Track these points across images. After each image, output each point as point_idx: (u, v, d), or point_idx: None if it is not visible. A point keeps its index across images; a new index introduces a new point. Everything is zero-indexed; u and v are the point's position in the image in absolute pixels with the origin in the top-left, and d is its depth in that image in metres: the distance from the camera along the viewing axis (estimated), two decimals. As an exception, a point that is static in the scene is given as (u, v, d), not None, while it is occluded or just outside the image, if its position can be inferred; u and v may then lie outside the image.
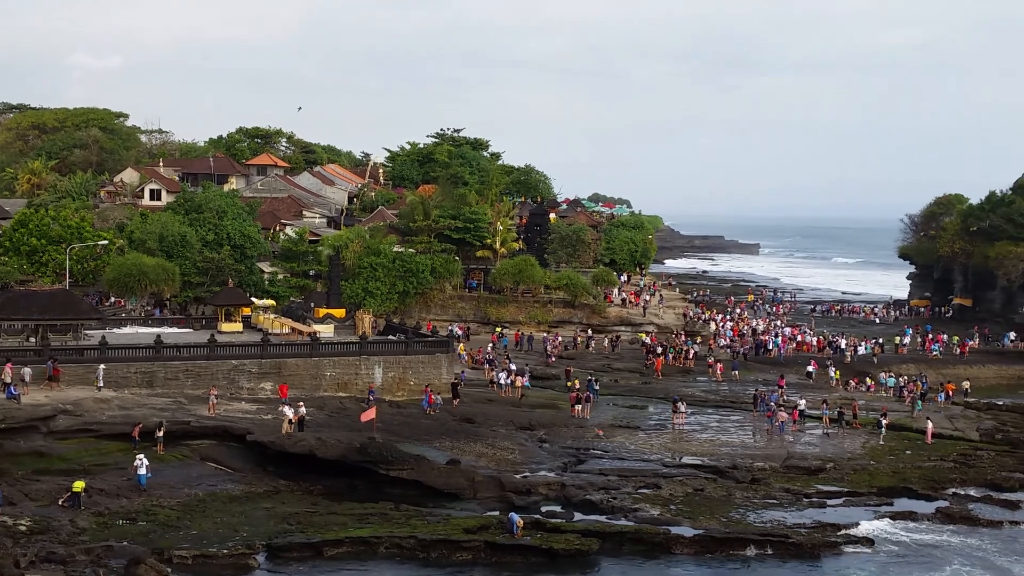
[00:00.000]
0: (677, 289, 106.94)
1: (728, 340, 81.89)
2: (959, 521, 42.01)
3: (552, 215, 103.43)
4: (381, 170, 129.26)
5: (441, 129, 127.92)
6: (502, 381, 60.98)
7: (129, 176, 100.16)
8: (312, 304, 68.78)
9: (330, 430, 47.63)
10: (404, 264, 78.23)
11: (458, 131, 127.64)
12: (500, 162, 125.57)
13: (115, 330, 59.91)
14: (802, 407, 57.56)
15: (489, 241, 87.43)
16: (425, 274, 78.81)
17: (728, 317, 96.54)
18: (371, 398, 52.65)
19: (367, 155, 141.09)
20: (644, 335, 79.79)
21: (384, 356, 57.62)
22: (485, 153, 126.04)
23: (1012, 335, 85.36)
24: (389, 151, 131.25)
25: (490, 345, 73.15)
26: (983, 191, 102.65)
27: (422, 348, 59.15)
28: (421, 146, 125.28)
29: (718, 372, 70.63)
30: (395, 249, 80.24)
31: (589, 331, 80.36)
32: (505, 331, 78.33)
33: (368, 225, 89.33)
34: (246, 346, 55.84)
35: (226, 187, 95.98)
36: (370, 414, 47.58)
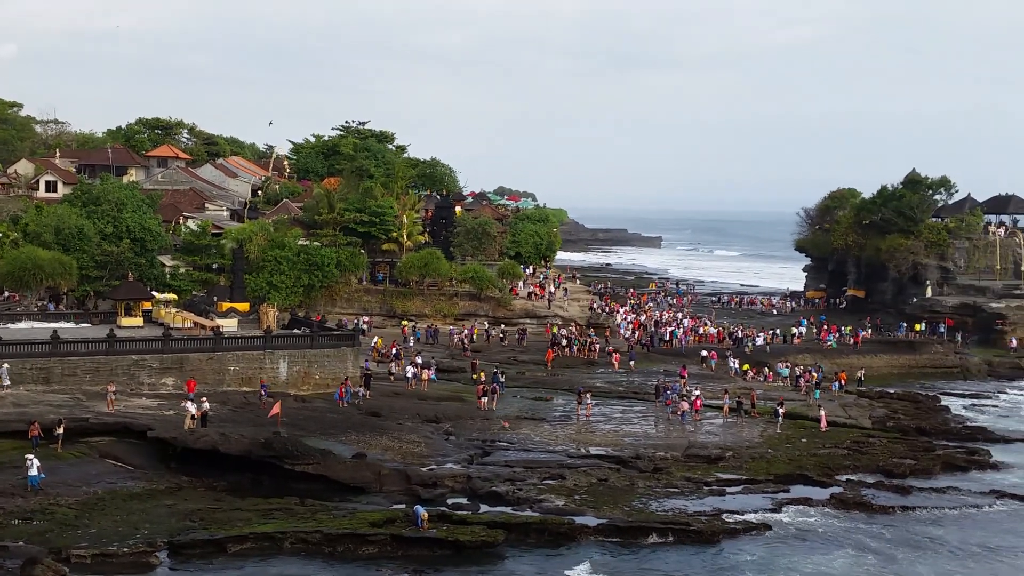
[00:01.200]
0: (578, 281, 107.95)
1: (627, 331, 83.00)
2: (852, 507, 43.40)
3: (458, 208, 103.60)
4: (285, 162, 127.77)
5: (346, 122, 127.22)
6: (409, 374, 61.03)
7: (24, 167, 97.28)
8: (215, 298, 67.80)
9: (234, 425, 47.18)
10: (309, 257, 77.62)
11: (363, 124, 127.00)
12: (406, 155, 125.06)
13: (9, 325, 58.32)
14: (697, 395, 58.66)
15: (395, 234, 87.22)
16: (330, 267, 78.29)
17: (631, 309, 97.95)
18: (263, 393, 52.32)
19: (271, 147, 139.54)
20: (556, 327, 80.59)
21: (289, 350, 57.15)
22: (391, 146, 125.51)
23: (903, 325, 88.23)
24: (293, 143, 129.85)
25: (402, 338, 73.34)
26: (875, 186, 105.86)
27: (328, 342, 58.83)
28: (326, 139, 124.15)
29: (615, 363, 71.72)
30: (300, 242, 79.54)
31: (503, 325, 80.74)
32: (416, 324, 78.43)
33: (272, 218, 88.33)
34: (147, 341, 54.85)
35: (125, 179, 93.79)
36: (275, 409, 47.22)
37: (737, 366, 71.91)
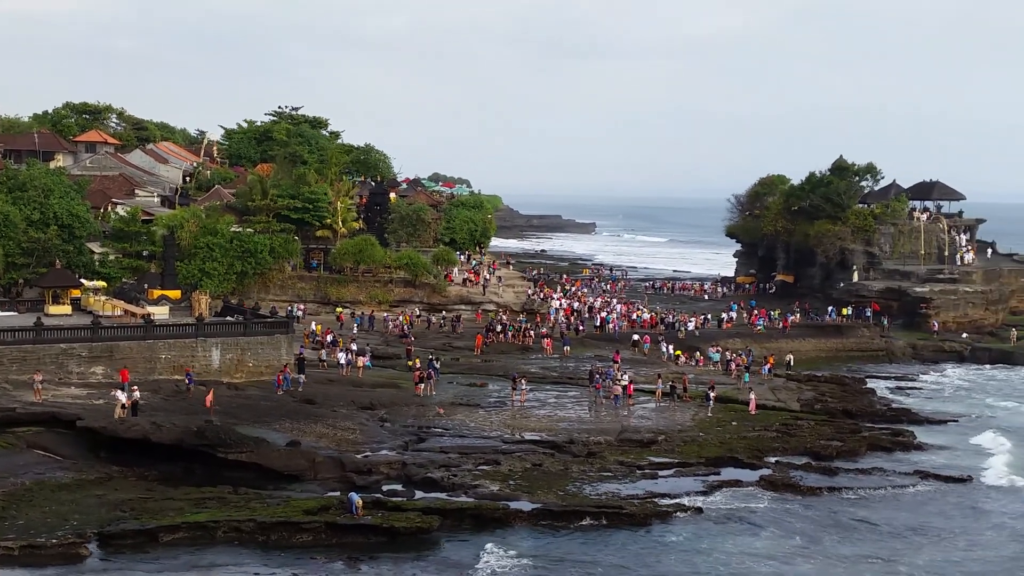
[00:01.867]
0: (511, 267, 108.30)
1: (560, 317, 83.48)
2: (781, 488, 44.27)
3: (392, 195, 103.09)
4: (216, 148, 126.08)
5: (279, 107, 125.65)
6: (342, 361, 60.94)
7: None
8: (145, 285, 66.82)
9: (166, 414, 46.73)
10: (242, 244, 76.83)
11: (296, 109, 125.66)
12: (339, 141, 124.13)
13: (-69, 314, 57.04)
14: (626, 380, 59.27)
15: (329, 221, 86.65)
16: (264, 254, 77.61)
17: (565, 295, 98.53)
18: (188, 381, 51.87)
19: (202, 133, 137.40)
20: (493, 314, 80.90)
21: (222, 338, 56.64)
22: (324, 132, 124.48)
23: (831, 310, 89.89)
24: (225, 129, 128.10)
25: (339, 325, 73.14)
26: (804, 172, 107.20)
27: (261, 329, 58.42)
28: (258, 124, 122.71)
29: (548, 348, 72.24)
30: (233, 229, 78.62)
31: (445, 313, 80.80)
32: (354, 311, 78.25)
33: (204, 204, 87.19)
34: (75, 329, 54.00)
35: (52, 164, 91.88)
36: (208, 397, 46.84)
37: (670, 351, 72.80)
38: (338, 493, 40.27)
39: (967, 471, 48.09)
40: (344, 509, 37.95)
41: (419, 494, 41.37)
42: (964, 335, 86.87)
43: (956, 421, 58.93)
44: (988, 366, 79.30)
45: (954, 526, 40.81)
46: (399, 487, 42.28)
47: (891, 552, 37.77)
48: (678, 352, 72.51)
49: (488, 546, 36.39)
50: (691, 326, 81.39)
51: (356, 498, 37.97)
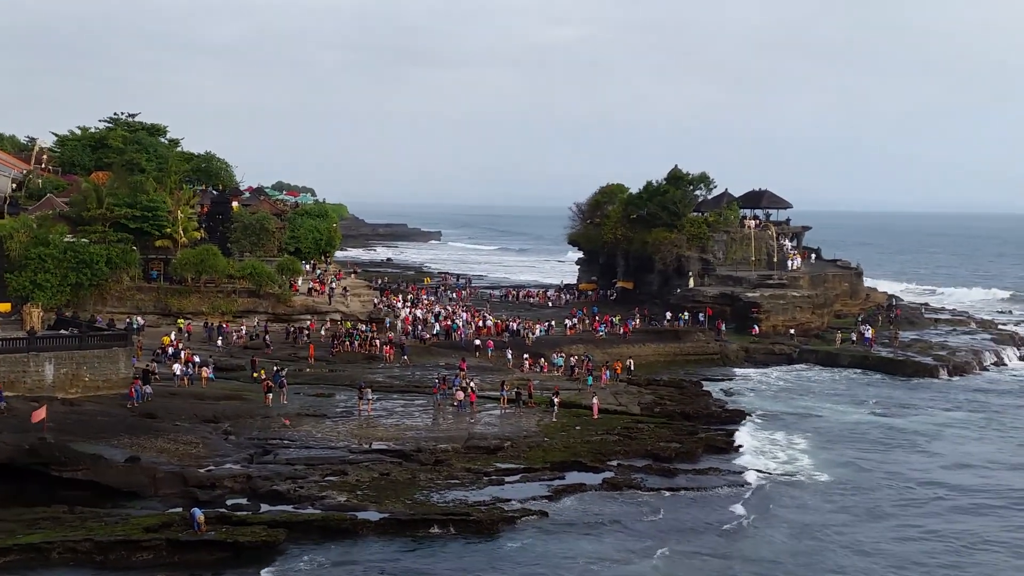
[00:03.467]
0: (354, 276, 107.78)
1: (403, 326, 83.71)
2: (624, 489, 45.62)
3: (235, 203, 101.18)
4: (47, 155, 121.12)
5: (115, 113, 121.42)
6: (177, 372, 59.81)
7: None
8: (-29, 299, 64.04)
9: (-5, 433, 44.85)
10: (77, 255, 74.34)
11: (133, 116, 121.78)
12: (179, 149, 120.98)
13: None
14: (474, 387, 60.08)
15: (169, 230, 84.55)
16: (100, 265, 75.27)
17: (412, 303, 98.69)
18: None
19: (32, 139, 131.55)
20: (350, 323, 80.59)
21: (55, 352, 54.64)
22: (163, 139, 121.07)
23: (669, 315, 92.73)
24: (57, 135, 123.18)
25: (186, 336, 71.67)
26: (642, 181, 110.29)
27: (98, 342, 56.61)
28: (93, 131, 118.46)
29: (389, 356, 72.43)
30: (66, 239, 75.98)
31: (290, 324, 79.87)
32: (208, 322, 76.84)
33: (35, 214, 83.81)
34: None
35: None
36: (40, 413, 45.23)
37: (513, 357, 73.91)
38: (180, 509, 39.53)
39: (786, 468, 50.54)
40: (186, 525, 37.30)
41: (265, 507, 40.95)
42: (791, 332, 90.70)
43: (784, 421, 61.68)
44: (816, 367, 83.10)
45: (778, 521, 42.75)
46: (244, 501, 41.76)
47: (729, 549, 39.24)
48: (523, 358, 73.67)
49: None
50: (536, 333, 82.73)
51: (199, 513, 37.38)
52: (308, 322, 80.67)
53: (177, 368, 60.12)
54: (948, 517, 44.06)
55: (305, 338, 75.60)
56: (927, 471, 51.31)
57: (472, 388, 59.81)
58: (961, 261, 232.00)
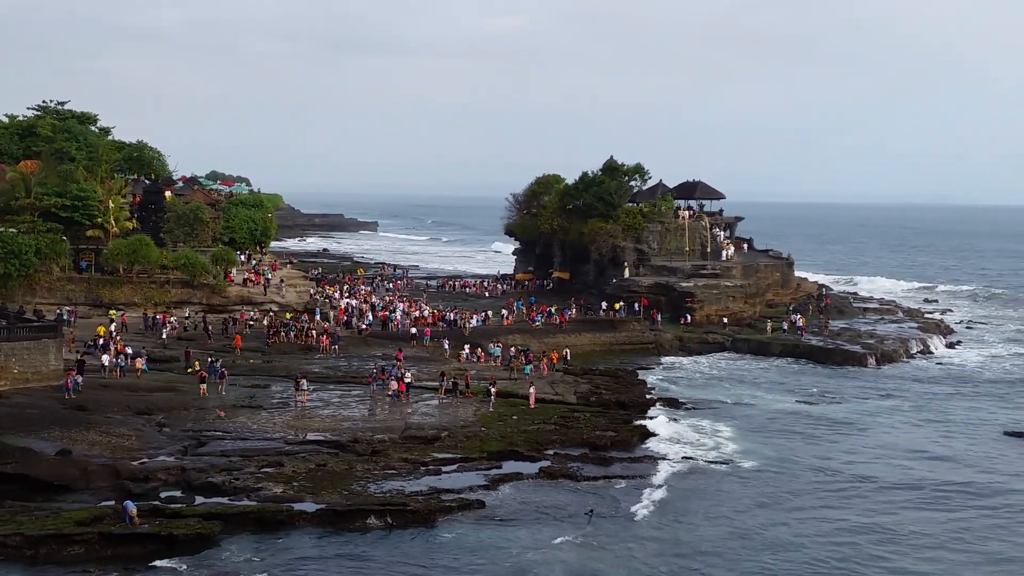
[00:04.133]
0: (289, 267, 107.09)
1: (337, 316, 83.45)
2: (560, 478, 46.00)
3: (168, 193, 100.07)
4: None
5: (44, 101, 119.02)
6: (104, 362, 59.15)
7: None
8: None
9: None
10: (5, 245, 73.00)
11: (63, 104, 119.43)
12: (110, 138, 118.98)
13: None
14: (409, 378, 60.11)
15: (100, 220, 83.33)
16: (29, 255, 74.00)
17: (348, 294, 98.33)
18: None
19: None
20: (290, 314, 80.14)
21: (-18, 344, 53.69)
22: (93, 128, 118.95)
23: (605, 305, 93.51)
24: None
25: (121, 326, 70.85)
26: (578, 172, 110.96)
27: (27, 333, 55.66)
28: (21, 119, 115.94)
29: (324, 346, 72.38)
30: (-7, 229, 74.54)
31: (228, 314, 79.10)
32: (146, 312, 76.00)
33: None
34: None
35: None
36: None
37: (451, 347, 74.06)
38: (112, 502, 39.16)
39: (712, 455, 51.24)
40: (119, 518, 36.95)
41: (200, 499, 40.70)
42: (724, 320, 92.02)
43: (715, 409, 62.57)
44: (748, 356, 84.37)
45: (696, 508, 43.33)
46: (178, 493, 41.46)
47: (664, 535, 39.73)
48: (460, 348, 73.84)
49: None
50: (473, 323, 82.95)
51: (131, 506, 37.06)
52: (239, 313, 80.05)
53: (105, 359, 59.39)
54: (867, 507, 44.09)
55: (235, 329, 75.05)
56: (851, 460, 51.80)
57: (399, 377, 59.84)
58: (884, 252, 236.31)
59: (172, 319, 75.58)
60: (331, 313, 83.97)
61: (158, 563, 35.08)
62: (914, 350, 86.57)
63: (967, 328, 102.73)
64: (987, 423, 60.52)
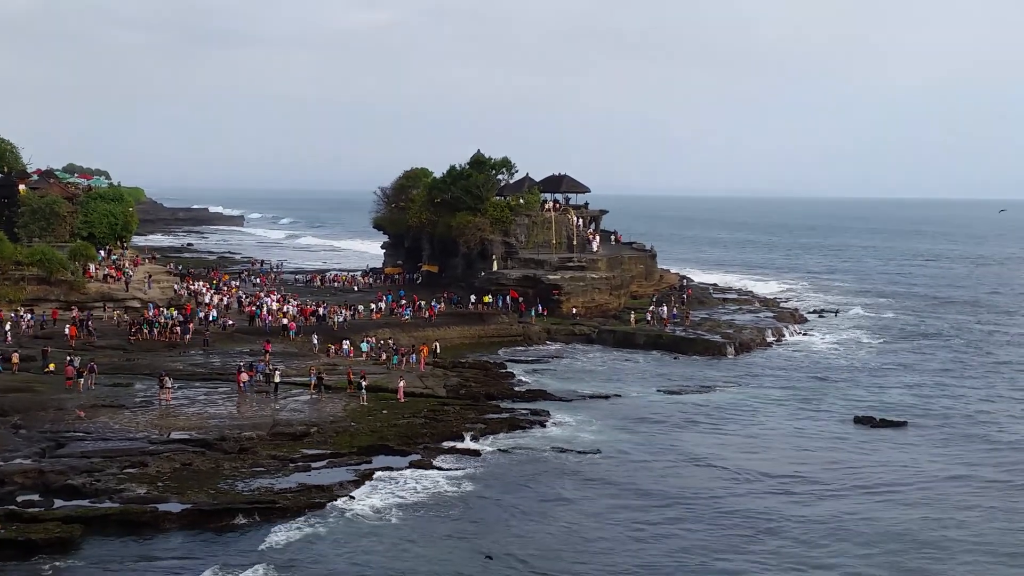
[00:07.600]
0: (147, 262, 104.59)
1: (202, 312, 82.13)
2: (430, 470, 46.40)
3: (22, 187, 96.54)
4: None
5: None
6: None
7: None
8: None
9: None
10: None
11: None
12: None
13: None
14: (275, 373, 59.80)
15: (-53, 215, 79.96)
16: None
17: (214, 289, 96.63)
18: None
19: None
20: (173, 309, 78.39)
21: None
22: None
23: (474, 298, 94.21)
24: None
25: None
26: (445, 165, 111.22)
27: None
28: None
29: (185, 342, 71.76)
30: None
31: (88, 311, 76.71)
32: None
33: None
34: None
35: None
36: None
37: (320, 342, 73.66)
38: (-32, 508, 37.92)
39: (569, 446, 51.88)
40: (-25, 524, 35.86)
41: (59, 503, 39.74)
42: (574, 312, 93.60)
43: (582, 399, 63.77)
44: (613, 348, 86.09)
45: (592, 494, 44.47)
46: (36, 497, 40.35)
47: (538, 522, 40.54)
48: (328, 343, 73.50)
49: None
50: (342, 317, 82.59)
51: (-12, 512, 35.99)
52: (92, 311, 77.90)
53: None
54: (722, 498, 44.52)
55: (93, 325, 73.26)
56: (707, 449, 52.51)
57: (241, 368, 59.67)
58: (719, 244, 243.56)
59: (27, 316, 73.18)
60: (199, 311, 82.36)
61: (16, 569, 34.22)
62: (770, 338, 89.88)
63: (819, 317, 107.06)
64: (837, 409, 63.20)
